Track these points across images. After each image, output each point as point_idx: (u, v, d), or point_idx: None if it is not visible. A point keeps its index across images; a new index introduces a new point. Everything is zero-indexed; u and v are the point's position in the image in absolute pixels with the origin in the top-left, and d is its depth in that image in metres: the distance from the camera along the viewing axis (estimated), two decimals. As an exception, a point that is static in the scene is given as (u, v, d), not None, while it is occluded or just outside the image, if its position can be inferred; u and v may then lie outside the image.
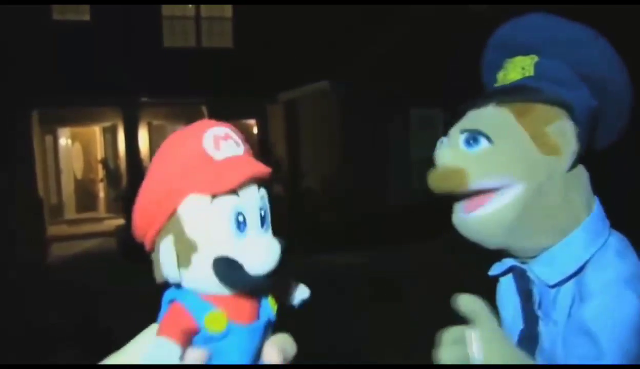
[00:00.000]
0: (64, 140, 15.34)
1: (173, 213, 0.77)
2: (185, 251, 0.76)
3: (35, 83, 12.26)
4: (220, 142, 0.82)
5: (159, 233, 0.79)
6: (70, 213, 15.23)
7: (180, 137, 0.82)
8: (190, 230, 0.76)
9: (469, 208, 1.11)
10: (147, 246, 0.82)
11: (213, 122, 0.86)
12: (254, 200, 0.80)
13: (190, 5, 14.73)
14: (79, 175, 15.75)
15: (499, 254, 1.19)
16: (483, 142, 1.08)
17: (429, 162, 1.25)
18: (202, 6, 14.75)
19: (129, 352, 0.77)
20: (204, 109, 14.37)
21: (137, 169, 13.14)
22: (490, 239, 1.12)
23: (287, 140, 14.15)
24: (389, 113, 12.36)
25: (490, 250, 1.14)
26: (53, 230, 13.35)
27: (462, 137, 1.12)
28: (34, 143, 13.01)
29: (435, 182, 1.13)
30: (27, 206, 11.60)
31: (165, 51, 14.33)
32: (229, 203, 0.77)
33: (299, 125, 13.97)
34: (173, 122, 15.23)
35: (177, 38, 14.62)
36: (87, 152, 15.94)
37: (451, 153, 1.13)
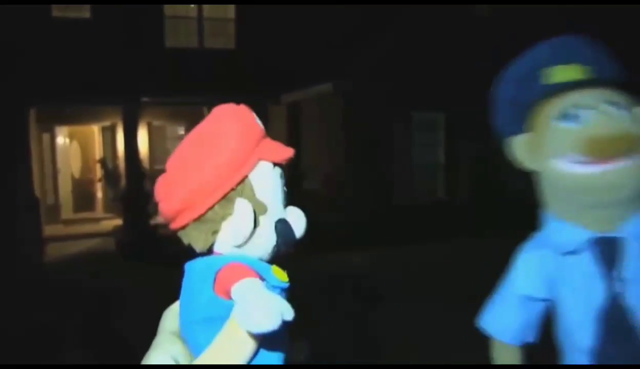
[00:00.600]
0: (61, 139, 15.16)
1: (244, 178, 0.84)
2: (258, 212, 0.84)
3: (34, 81, 12.09)
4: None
5: (222, 199, 0.84)
6: (67, 213, 15.05)
7: (231, 115, 0.88)
8: (261, 193, 0.85)
9: (601, 162, 1.25)
10: (192, 215, 0.84)
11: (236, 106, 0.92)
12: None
13: (192, 5, 14.63)
14: (77, 175, 15.58)
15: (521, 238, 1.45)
16: (626, 110, 1.28)
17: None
18: (206, 6, 14.64)
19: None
20: (205, 110, 14.24)
21: (136, 169, 12.99)
22: (621, 191, 1.25)
23: (289, 142, 13.99)
24: (393, 115, 12.32)
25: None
26: (50, 230, 13.17)
27: (612, 108, 1.28)
28: (31, 142, 12.84)
29: (615, 144, 1.25)
30: (25, 205, 11.44)
31: (167, 51, 14.21)
32: (280, 171, 0.89)
33: (301, 127, 13.89)
34: (173, 122, 15.11)
35: (179, 38, 14.51)
36: (85, 151, 15.77)
37: (616, 119, 1.27)
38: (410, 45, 12.08)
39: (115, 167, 13.94)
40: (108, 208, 14.96)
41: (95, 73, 12.42)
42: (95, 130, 15.56)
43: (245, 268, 0.80)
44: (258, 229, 0.84)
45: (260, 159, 0.85)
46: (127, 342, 5.94)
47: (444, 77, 11.84)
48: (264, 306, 0.73)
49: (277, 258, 0.87)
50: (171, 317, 0.89)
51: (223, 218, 0.83)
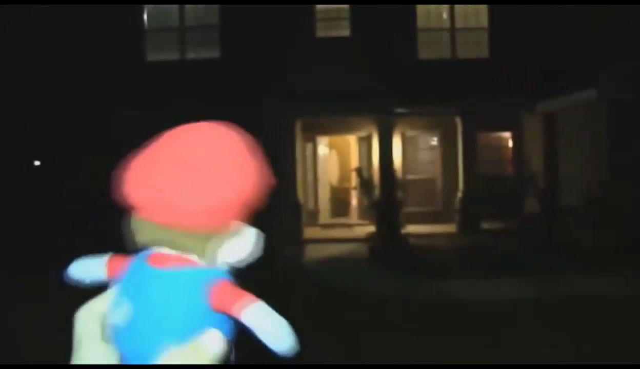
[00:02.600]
0: (322, 148, 16.25)
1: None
2: None
3: (300, 95, 13.20)
4: None
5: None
6: (324, 218, 16.07)
7: (237, 137, 0.90)
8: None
9: None
10: (216, 227, 0.87)
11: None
12: None
13: (444, 15, 14.69)
14: (335, 182, 16.56)
15: None
16: None
17: None
18: (459, 16, 14.60)
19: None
20: (458, 120, 14.17)
21: (389, 178, 13.39)
22: None
23: (545, 154, 13.27)
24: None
25: None
26: (308, 232, 14.18)
27: None
28: (296, 151, 14.00)
29: None
30: (288, 209, 12.48)
31: (420, 63, 14.45)
32: None
33: (558, 138, 13.02)
34: (426, 132, 15.28)
35: (432, 49, 14.67)
36: (342, 160, 16.72)
37: None
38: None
39: (370, 175, 14.51)
40: (362, 215, 15.63)
41: (354, 87, 13.12)
42: (352, 140, 16.40)
43: (236, 288, 0.84)
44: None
45: None
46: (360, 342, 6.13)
47: None
48: (285, 326, 0.78)
49: None
50: (93, 321, 0.87)
51: (230, 236, 0.87)
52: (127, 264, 0.90)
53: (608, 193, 10.84)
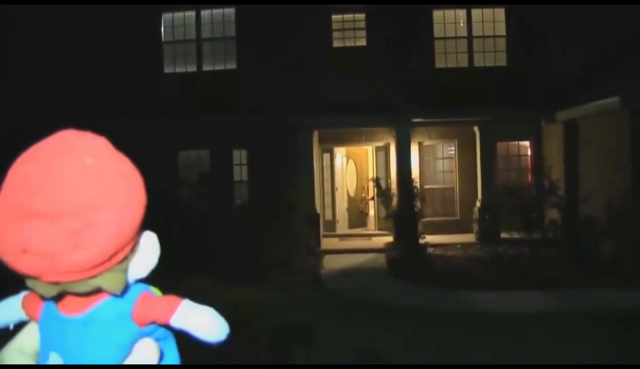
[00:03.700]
0: (339, 159, 16.23)
1: None
2: None
3: (318, 106, 13.21)
4: None
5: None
6: (342, 228, 16.03)
7: (103, 152, 0.82)
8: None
9: None
10: (120, 256, 0.81)
11: None
12: None
13: (462, 24, 14.64)
14: (352, 193, 16.53)
15: None
16: None
17: None
18: (477, 25, 14.54)
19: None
20: (476, 129, 14.08)
21: (407, 188, 13.33)
22: None
23: (565, 163, 13.12)
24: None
25: None
26: (326, 243, 14.14)
27: None
28: (314, 162, 14.00)
29: None
30: (307, 220, 12.46)
31: (437, 71, 14.41)
32: None
33: (579, 147, 12.85)
34: (444, 141, 15.20)
35: (449, 58, 14.62)
36: (359, 170, 16.68)
37: None
38: None
39: (388, 185, 14.45)
40: (380, 225, 15.57)
41: (370, 97, 13.11)
42: (369, 150, 16.37)
43: (156, 297, 0.84)
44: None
45: None
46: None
47: None
48: (216, 317, 0.80)
49: None
50: (23, 357, 0.88)
51: (133, 255, 0.83)
52: (41, 304, 0.87)
53: (630, 203, 10.68)
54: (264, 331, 6.97)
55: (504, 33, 14.49)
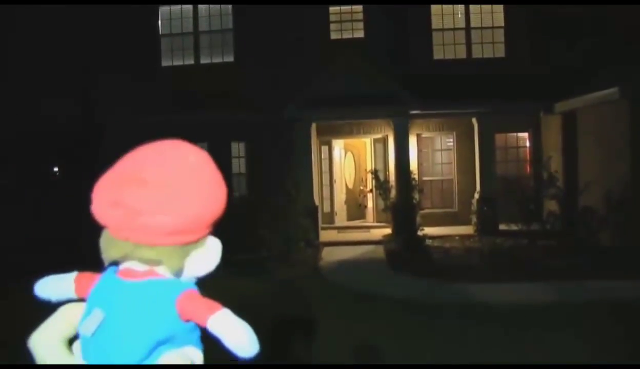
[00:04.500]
0: (338, 151, 16.21)
1: None
2: None
3: (315, 98, 13.17)
4: None
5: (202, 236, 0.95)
6: (341, 220, 16.03)
7: (199, 155, 1.00)
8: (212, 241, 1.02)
9: None
10: (189, 238, 0.92)
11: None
12: None
13: (459, 14, 14.61)
14: (350, 185, 16.52)
15: None
16: None
17: None
18: (473, 15, 14.51)
19: None
20: (475, 121, 14.06)
21: (405, 180, 13.32)
22: None
23: (564, 155, 13.13)
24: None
25: None
26: (325, 235, 14.14)
27: None
28: (312, 154, 13.97)
29: None
30: (305, 212, 12.44)
31: (435, 63, 14.40)
32: None
33: (578, 138, 12.86)
34: (442, 133, 15.18)
35: (447, 50, 14.60)
36: (358, 162, 16.67)
37: None
38: None
39: (386, 177, 14.44)
40: (378, 217, 15.58)
41: (368, 88, 13.06)
42: (367, 142, 16.35)
43: (204, 298, 0.91)
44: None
45: None
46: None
47: None
48: (249, 333, 0.85)
49: None
50: (54, 340, 0.92)
51: (196, 248, 0.92)
52: (95, 280, 0.95)
53: (629, 194, 10.69)
54: (263, 322, 6.96)
55: (502, 24, 14.47)
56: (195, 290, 0.91)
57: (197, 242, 0.92)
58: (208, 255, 0.93)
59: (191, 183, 0.92)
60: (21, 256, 10.77)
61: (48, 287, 0.98)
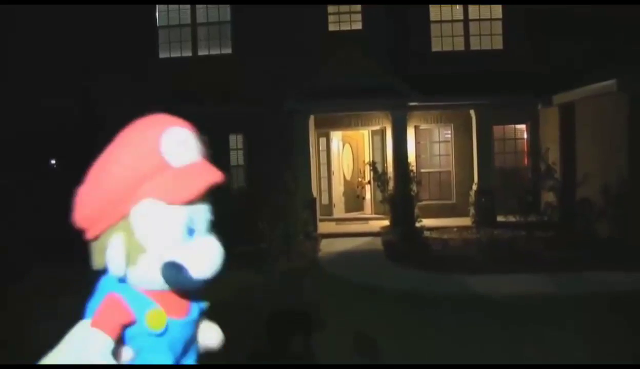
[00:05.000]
0: (336, 143, 16.22)
1: (126, 214, 0.81)
2: (134, 251, 0.81)
3: (313, 90, 13.16)
4: (179, 146, 0.83)
5: (108, 229, 0.82)
6: (339, 212, 16.05)
7: (139, 137, 0.83)
8: (141, 233, 0.81)
9: None
10: (90, 235, 0.83)
11: (171, 119, 0.86)
12: (204, 207, 0.86)
13: (458, 7, 14.58)
14: (348, 177, 16.53)
15: None
16: None
17: None
18: (472, 7, 14.49)
19: (63, 350, 0.78)
20: (473, 113, 14.06)
21: (403, 172, 13.34)
22: None
23: (561, 147, 13.15)
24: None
25: None
26: (323, 227, 14.17)
27: None
28: (310, 146, 13.98)
29: None
30: (303, 204, 12.45)
31: (433, 55, 14.39)
32: (182, 212, 0.82)
33: (575, 130, 12.87)
34: (440, 125, 15.18)
35: (445, 42, 14.59)
36: (356, 154, 16.68)
37: None
38: None
39: (384, 169, 14.46)
40: (376, 208, 15.60)
41: (366, 80, 13.04)
42: (365, 134, 16.35)
43: (115, 310, 0.79)
44: (137, 267, 0.81)
45: (146, 197, 0.80)
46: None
47: None
48: (68, 357, 0.74)
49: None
50: None
51: (105, 246, 0.82)
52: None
53: (627, 186, 10.71)
54: (262, 314, 7.00)
55: (500, 16, 14.45)
56: (115, 295, 0.81)
57: (103, 240, 0.83)
58: (108, 254, 0.82)
59: (97, 164, 0.84)
60: (21, 256, 10.78)
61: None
